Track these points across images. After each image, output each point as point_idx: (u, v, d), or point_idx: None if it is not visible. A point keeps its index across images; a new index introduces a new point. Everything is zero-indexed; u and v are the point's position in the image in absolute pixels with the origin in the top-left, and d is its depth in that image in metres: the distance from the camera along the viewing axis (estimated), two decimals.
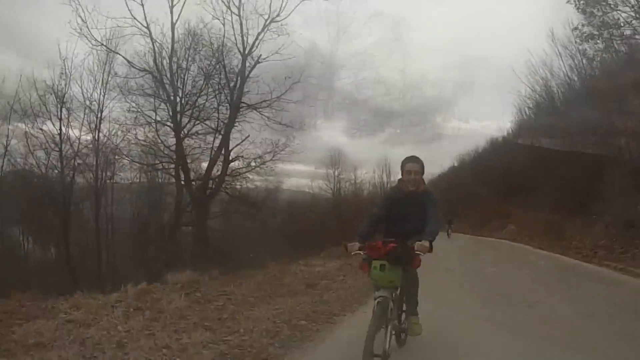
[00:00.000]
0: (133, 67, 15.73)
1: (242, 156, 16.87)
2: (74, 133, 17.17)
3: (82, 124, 17.15)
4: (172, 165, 16.50)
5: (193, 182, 16.35)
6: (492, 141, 44.18)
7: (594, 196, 16.21)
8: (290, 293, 6.91)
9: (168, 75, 15.62)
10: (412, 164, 3.76)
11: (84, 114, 17.19)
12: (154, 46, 15.48)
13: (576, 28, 16.92)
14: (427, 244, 3.24)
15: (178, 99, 15.90)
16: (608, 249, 12.45)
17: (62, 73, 16.72)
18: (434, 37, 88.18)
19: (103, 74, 16.76)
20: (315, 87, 16.58)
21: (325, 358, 3.97)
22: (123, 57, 15.81)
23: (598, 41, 16.76)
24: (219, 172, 16.61)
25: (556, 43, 21.14)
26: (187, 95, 16.17)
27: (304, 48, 16.79)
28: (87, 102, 17.07)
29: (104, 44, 15.76)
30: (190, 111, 16.22)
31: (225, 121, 16.45)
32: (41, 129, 16.77)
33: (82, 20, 15.33)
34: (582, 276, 9.53)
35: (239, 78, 16.13)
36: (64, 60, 16.66)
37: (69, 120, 16.97)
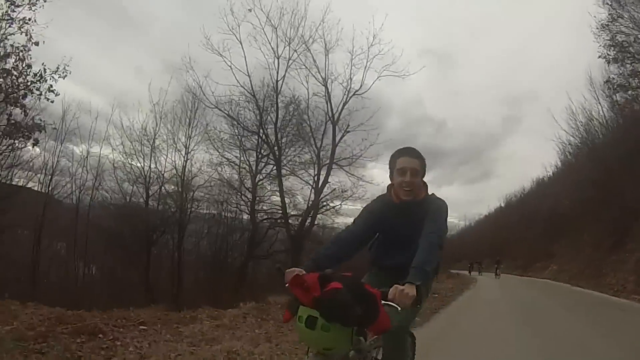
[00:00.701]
0: (244, 128, 18.39)
1: (329, 204, 18.80)
2: (159, 168, 19.81)
3: (165, 160, 19.86)
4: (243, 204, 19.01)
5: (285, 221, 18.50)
6: (538, 182, 44.83)
7: (630, 235, 17.57)
8: None
9: (270, 135, 18.10)
10: (407, 159, 2.40)
11: (167, 152, 19.92)
12: (260, 110, 17.88)
13: (608, 80, 18.24)
14: (411, 289, 1.87)
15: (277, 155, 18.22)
16: (637, 283, 13.61)
17: (155, 116, 19.80)
18: (480, 74, 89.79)
19: (189, 119, 19.68)
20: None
21: None
22: (234, 118, 18.30)
23: (629, 91, 18.01)
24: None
25: (595, 88, 22.35)
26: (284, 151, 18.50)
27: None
28: (172, 142, 19.84)
29: (218, 107, 18.18)
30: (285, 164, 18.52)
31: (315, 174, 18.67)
32: (130, 164, 19.57)
33: (199, 85, 18.12)
34: (604, 306, 10.96)
35: (323, 139, 18.38)
36: (154, 105, 19.72)
37: (156, 156, 19.69)
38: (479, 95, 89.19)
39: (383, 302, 1.86)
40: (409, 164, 2.38)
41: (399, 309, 1.85)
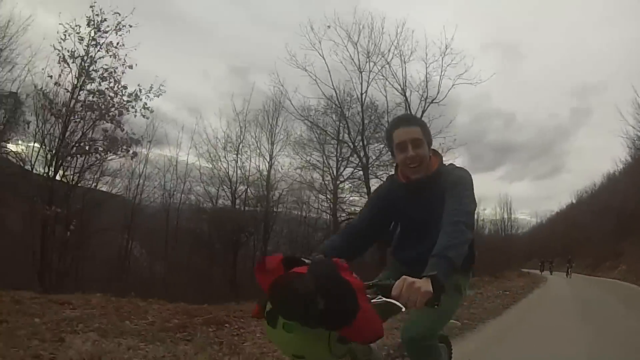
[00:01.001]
0: (329, 135, 20.20)
1: None
2: (244, 173, 21.34)
3: (249, 165, 21.44)
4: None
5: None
6: (609, 176, 43.36)
7: None
8: None
9: (357, 144, 19.67)
10: (404, 129, 1.95)
11: (251, 157, 21.48)
12: (347, 121, 19.56)
13: None
14: (424, 283, 1.39)
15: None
16: None
17: (239, 124, 21.40)
18: (546, 65, 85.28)
19: (272, 126, 21.43)
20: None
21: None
22: (321, 127, 20.20)
23: None
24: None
25: None
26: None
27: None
28: (256, 146, 21.55)
29: (307, 118, 20.08)
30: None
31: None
32: (218, 171, 21.16)
33: (288, 100, 20.00)
34: None
35: None
36: (237, 114, 21.40)
37: (241, 161, 21.24)
38: (546, 87, 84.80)
39: (384, 299, 1.41)
40: (408, 134, 1.93)
41: (404, 309, 1.38)
